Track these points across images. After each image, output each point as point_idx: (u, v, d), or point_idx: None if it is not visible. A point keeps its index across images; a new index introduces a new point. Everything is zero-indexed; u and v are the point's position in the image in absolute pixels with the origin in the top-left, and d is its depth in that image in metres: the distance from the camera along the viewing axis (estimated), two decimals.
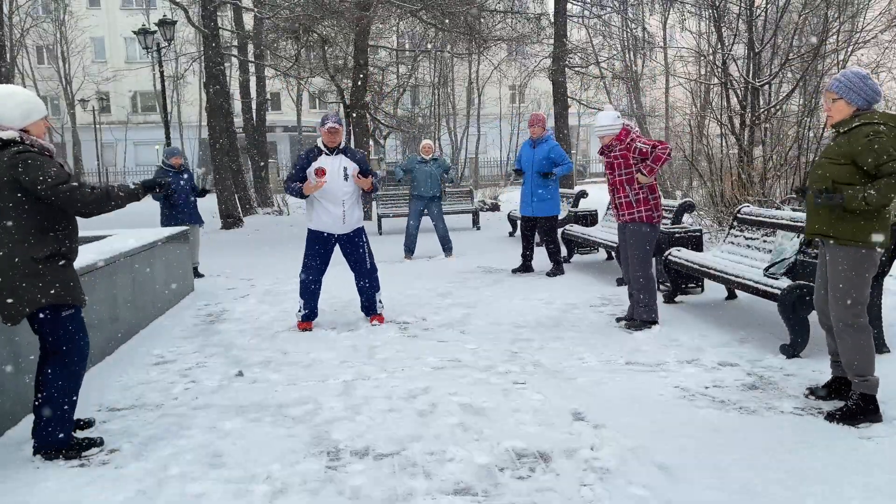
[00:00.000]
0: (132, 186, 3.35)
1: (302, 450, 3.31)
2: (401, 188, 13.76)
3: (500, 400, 3.88)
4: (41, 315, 3.19)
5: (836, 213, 3.35)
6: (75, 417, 3.52)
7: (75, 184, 3.13)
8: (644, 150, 5.21)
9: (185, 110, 34.89)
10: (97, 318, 4.87)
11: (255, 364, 4.79)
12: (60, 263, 3.21)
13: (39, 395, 3.26)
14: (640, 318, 5.32)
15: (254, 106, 20.49)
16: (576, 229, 8.73)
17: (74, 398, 3.32)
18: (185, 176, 8.61)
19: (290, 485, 2.96)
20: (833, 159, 3.36)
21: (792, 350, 4.44)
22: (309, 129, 37.13)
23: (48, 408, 3.24)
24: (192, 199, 8.65)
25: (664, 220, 6.33)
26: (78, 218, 3.31)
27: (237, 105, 20.66)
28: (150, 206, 8.88)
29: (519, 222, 9.66)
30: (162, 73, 17.60)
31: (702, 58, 11.54)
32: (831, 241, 3.40)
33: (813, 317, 4.45)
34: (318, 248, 5.72)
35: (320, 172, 5.50)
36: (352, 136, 14.64)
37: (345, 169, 5.59)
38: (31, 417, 3.39)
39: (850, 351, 3.39)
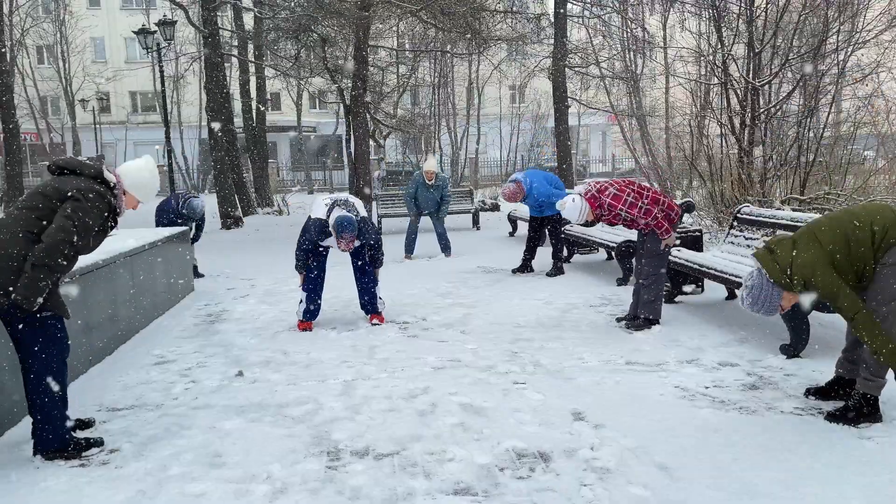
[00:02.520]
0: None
1: (302, 450, 3.31)
2: (401, 188, 13.77)
3: (500, 400, 3.88)
4: (12, 308, 3.11)
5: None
6: (75, 417, 3.52)
7: (66, 242, 3.09)
8: (631, 217, 5.13)
9: (185, 110, 34.85)
10: (97, 318, 4.88)
11: (255, 364, 4.79)
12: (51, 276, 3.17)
13: (29, 402, 3.25)
14: (642, 314, 5.32)
15: (254, 106, 20.48)
16: (576, 229, 8.72)
17: (63, 399, 3.30)
18: (194, 224, 8.39)
19: (290, 485, 2.97)
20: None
21: (792, 350, 4.44)
22: (309, 129, 37.11)
23: (39, 413, 3.24)
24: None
25: None
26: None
27: (237, 105, 20.64)
28: (148, 208, 8.84)
29: (520, 222, 9.68)
30: (162, 73, 17.60)
31: (702, 58, 11.52)
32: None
33: (813, 317, 4.46)
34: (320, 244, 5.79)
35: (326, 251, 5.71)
36: (352, 137, 14.63)
37: (352, 250, 5.56)
38: (30, 417, 3.39)
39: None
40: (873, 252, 3.30)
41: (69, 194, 3.16)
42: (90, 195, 3.20)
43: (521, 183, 7.64)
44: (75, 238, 3.12)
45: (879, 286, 3.29)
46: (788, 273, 3.36)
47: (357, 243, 5.52)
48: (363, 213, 5.62)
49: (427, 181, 9.33)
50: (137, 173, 3.48)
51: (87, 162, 3.36)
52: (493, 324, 5.69)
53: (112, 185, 3.36)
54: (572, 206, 5.13)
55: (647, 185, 5.50)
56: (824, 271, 3.26)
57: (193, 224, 8.33)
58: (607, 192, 5.13)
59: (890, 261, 3.28)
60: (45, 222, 3.13)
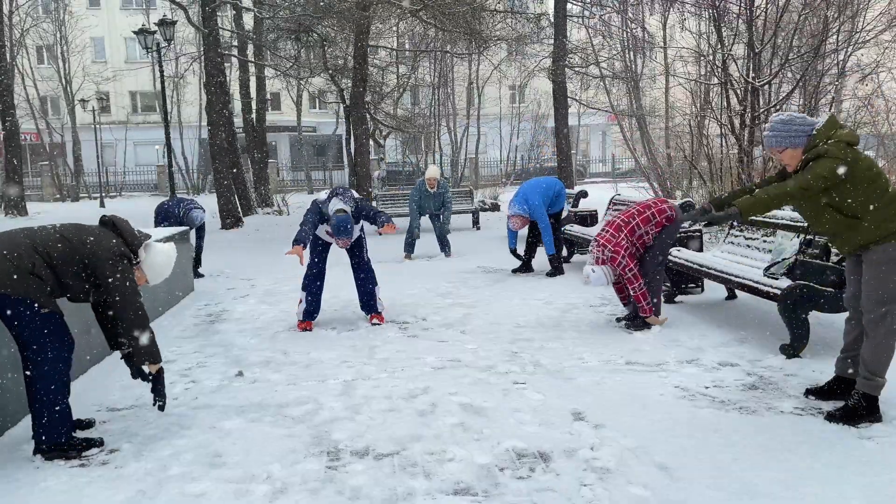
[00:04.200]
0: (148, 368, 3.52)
1: (302, 450, 3.31)
2: (402, 189, 13.80)
3: (500, 400, 3.88)
4: (11, 306, 3.13)
5: (852, 226, 3.35)
6: (75, 418, 3.51)
7: (139, 305, 3.37)
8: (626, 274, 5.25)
9: (185, 110, 34.85)
10: None
11: (255, 364, 4.79)
12: (36, 283, 3.19)
13: (29, 398, 3.25)
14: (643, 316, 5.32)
15: (254, 106, 20.49)
16: (576, 229, 8.72)
17: (65, 398, 3.29)
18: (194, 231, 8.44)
19: (290, 485, 2.97)
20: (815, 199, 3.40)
21: (792, 350, 4.44)
22: (309, 129, 37.12)
23: (40, 411, 3.23)
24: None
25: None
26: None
27: (237, 105, 20.64)
28: (146, 208, 8.87)
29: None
30: (162, 73, 17.59)
31: (702, 58, 11.53)
32: (869, 247, 3.37)
33: (813, 317, 4.46)
34: (319, 242, 5.79)
35: (327, 233, 5.65)
36: (352, 137, 14.64)
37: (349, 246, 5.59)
38: (31, 417, 3.39)
39: (871, 348, 3.35)
40: (854, 210, 3.32)
41: (115, 253, 3.32)
42: (124, 261, 3.39)
43: (523, 215, 7.81)
44: (139, 298, 3.37)
45: (881, 285, 3.29)
46: (820, 142, 3.35)
47: (356, 234, 5.54)
48: (358, 195, 5.69)
49: (430, 189, 9.51)
50: (157, 256, 3.60)
51: (137, 233, 3.52)
52: (493, 324, 5.69)
53: (138, 260, 3.53)
54: (595, 276, 5.26)
55: (633, 211, 5.40)
56: (828, 170, 3.25)
57: (194, 231, 8.33)
58: (605, 254, 5.24)
59: (882, 258, 3.29)
60: (64, 251, 3.26)
